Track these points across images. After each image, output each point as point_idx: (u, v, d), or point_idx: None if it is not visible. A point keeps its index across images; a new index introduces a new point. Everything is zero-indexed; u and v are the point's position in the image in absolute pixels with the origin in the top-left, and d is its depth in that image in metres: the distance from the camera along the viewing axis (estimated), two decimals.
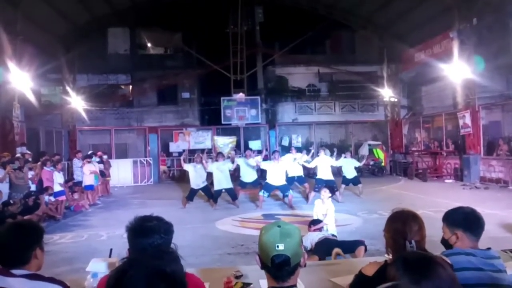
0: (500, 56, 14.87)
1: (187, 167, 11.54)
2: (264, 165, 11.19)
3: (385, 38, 20.53)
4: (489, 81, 14.64)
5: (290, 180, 11.67)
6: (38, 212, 9.22)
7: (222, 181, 11.03)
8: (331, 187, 11.26)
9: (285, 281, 1.64)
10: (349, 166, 12.08)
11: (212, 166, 11.14)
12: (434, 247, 2.15)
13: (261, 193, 10.86)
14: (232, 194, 11.25)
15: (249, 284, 2.75)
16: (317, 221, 6.57)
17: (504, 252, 3.17)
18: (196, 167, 11.19)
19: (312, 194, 11.20)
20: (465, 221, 2.24)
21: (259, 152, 20.71)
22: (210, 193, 11.27)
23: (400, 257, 1.40)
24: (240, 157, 13.63)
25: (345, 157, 12.22)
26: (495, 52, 14.92)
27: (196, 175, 11.09)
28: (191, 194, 11.18)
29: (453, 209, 2.33)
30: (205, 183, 11.19)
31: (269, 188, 10.94)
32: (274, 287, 1.65)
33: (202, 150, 20.53)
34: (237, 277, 2.89)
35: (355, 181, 12.17)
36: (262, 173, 12.83)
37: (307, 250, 5.84)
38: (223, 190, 11.16)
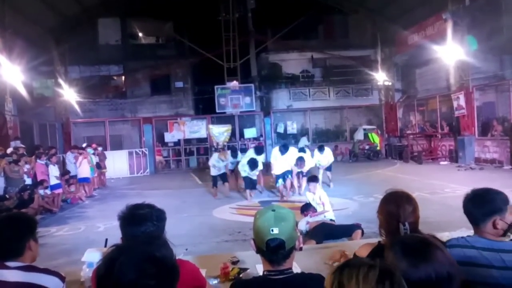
0: (493, 37, 14.83)
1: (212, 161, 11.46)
2: (272, 158, 10.83)
3: (378, 21, 20.42)
4: (483, 62, 14.64)
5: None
6: (34, 205, 9.19)
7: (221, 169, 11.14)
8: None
9: (280, 265, 1.64)
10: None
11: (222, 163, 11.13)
12: (430, 229, 2.15)
13: (278, 184, 10.40)
14: (224, 177, 11.24)
15: (245, 269, 2.76)
16: (308, 205, 6.62)
17: None
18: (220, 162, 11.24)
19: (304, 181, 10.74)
20: (465, 204, 2.03)
21: (255, 139, 20.80)
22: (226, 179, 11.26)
23: (398, 240, 1.39)
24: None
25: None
26: (488, 33, 14.86)
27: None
28: (214, 181, 11.25)
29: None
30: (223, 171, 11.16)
31: (280, 176, 10.46)
32: (269, 271, 1.65)
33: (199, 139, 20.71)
34: (233, 263, 2.90)
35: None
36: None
37: (304, 233, 5.87)
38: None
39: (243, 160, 10.69)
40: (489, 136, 14.79)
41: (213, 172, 11.14)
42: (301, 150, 11.56)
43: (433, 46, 15.46)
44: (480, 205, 1.97)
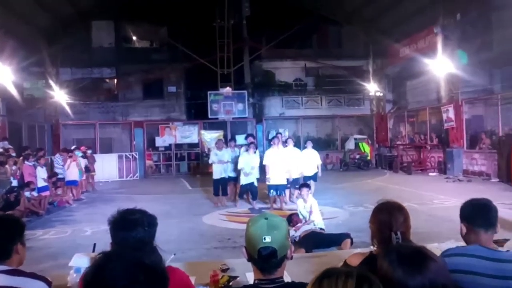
0: (483, 51, 15.09)
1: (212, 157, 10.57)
2: (266, 159, 9.99)
3: (371, 32, 20.61)
4: (472, 76, 14.86)
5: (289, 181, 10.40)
6: (20, 207, 9.06)
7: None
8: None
9: (271, 274, 1.63)
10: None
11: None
12: (419, 239, 2.16)
13: (271, 195, 9.87)
14: (225, 187, 10.50)
15: (235, 277, 2.74)
16: (293, 216, 6.58)
17: None
18: (218, 155, 10.30)
19: (295, 193, 10.05)
20: (469, 212, 2.10)
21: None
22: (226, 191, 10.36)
23: (393, 249, 1.40)
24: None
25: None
26: (478, 47, 15.13)
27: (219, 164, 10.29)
28: (215, 187, 10.32)
29: (467, 200, 2.21)
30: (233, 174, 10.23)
31: (274, 188, 9.81)
32: (260, 280, 1.64)
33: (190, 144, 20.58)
34: (223, 271, 2.87)
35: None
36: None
37: (293, 242, 5.86)
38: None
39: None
40: (477, 149, 14.96)
41: (215, 173, 10.24)
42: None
43: (424, 59, 15.65)
44: (480, 214, 2.06)
